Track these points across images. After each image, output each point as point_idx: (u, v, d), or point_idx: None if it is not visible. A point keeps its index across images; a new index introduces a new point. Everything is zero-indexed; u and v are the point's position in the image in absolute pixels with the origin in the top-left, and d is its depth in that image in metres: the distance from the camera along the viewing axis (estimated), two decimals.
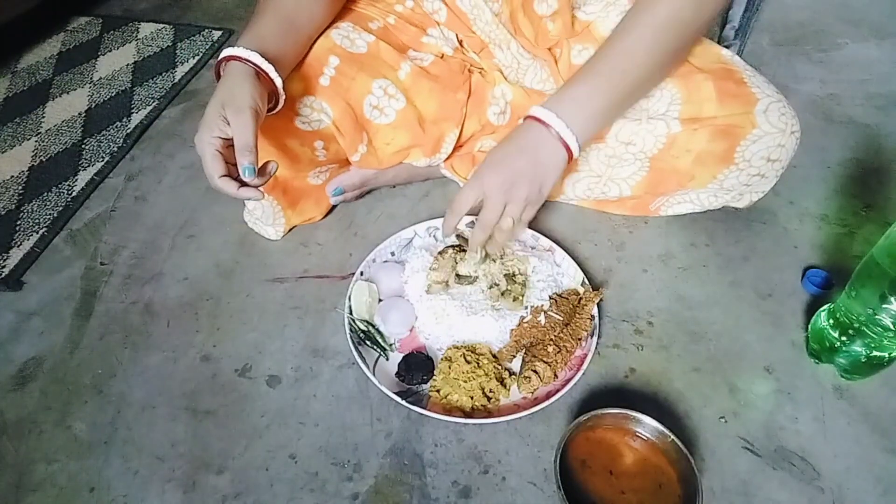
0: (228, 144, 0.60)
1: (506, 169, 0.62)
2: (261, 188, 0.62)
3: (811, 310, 0.74)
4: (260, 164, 0.61)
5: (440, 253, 0.76)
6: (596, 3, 0.79)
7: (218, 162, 0.59)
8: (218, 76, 0.64)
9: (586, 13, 0.79)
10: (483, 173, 0.64)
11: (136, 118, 1.09)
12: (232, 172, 0.60)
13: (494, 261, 0.74)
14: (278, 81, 0.64)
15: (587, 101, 0.64)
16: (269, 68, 0.62)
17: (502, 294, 0.72)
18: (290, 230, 0.86)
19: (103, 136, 1.06)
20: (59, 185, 0.97)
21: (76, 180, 0.97)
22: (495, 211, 0.63)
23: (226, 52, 0.62)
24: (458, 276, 0.74)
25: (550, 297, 0.73)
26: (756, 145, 0.70)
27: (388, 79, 0.75)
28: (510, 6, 0.77)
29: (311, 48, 0.72)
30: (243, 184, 0.60)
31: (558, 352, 0.67)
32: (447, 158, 0.85)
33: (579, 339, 0.69)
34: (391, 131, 0.77)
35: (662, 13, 0.62)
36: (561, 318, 0.71)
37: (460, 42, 0.83)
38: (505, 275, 0.73)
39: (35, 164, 1.01)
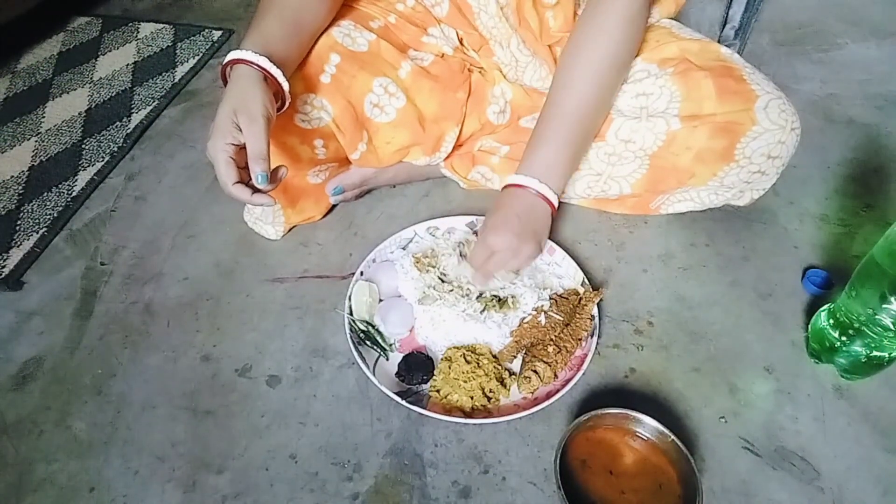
0: (240, 149, 0.60)
1: (508, 231, 0.67)
2: (270, 193, 0.62)
3: (811, 310, 0.74)
4: (272, 170, 0.62)
5: (416, 262, 0.76)
6: None
7: (231, 169, 0.59)
8: (223, 79, 0.64)
9: None
10: (488, 236, 0.68)
11: (136, 118, 1.09)
12: (243, 177, 0.61)
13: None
14: (286, 86, 0.64)
15: (553, 157, 0.71)
16: (276, 72, 0.63)
17: (488, 303, 0.72)
18: (290, 230, 0.86)
19: (103, 136, 1.06)
20: (59, 185, 0.97)
21: (76, 180, 0.97)
22: (499, 266, 0.69)
23: (233, 54, 0.62)
24: (441, 280, 0.74)
25: (550, 297, 0.73)
26: (756, 142, 0.70)
27: (388, 77, 0.75)
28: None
29: (312, 46, 0.72)
30: (256, 189, 0.61)
31: (558, 352, 0.67)
32: (447, 157, 0.85)
33: (579, 340, 0.69)
34: (391, 130, 0.77)
35: (599, 56, 0.70)
36: (561, 318, 0.71)
37: (460, 41, 0.83)
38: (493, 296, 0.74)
39: (35, 164, 1.01)
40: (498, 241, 0.68)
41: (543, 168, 0.70)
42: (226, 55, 0.64)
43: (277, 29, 0.66)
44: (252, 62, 0.61)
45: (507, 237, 0.67)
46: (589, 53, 0.70)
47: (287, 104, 0.67)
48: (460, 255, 0.77)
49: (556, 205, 0.71)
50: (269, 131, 0.60)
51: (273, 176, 0.62)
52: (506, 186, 0.72)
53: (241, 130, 0.59)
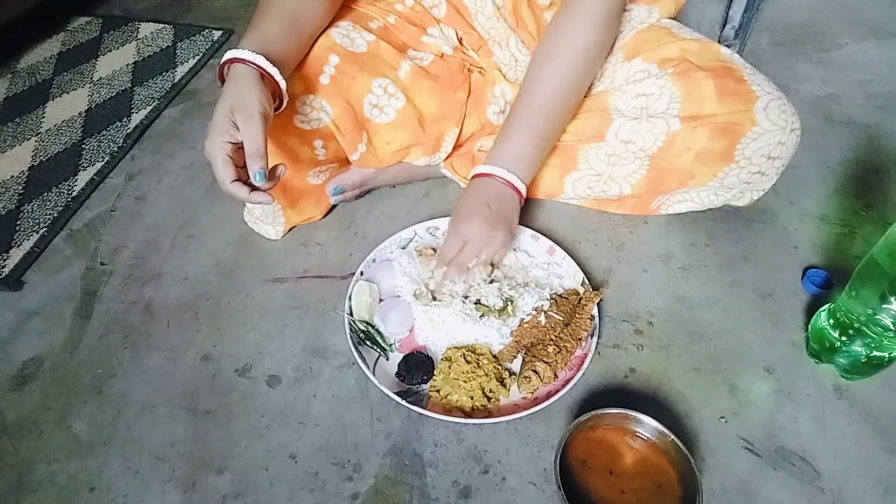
0: (237, 148, 0.60)
1: (479, 218, 0.70)
2: (269, 191, 0.62)
3: (811, 310, 0.74)
4: (270, 168, 0.62)
5: (420, 254, 0.77)
6: None
7: (229, 167, 0.60)
8: (221, 78, 0.64)
9: None
10: (459, 225, 0.71)
11: (136, 118, 1.09)
12: (241, 176, 0.61)
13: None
14: (283, 84, 0.64)
15: (521, 148, 0.73)
16: (274, 71, 0.63)
17: (487, 311, 0.72)
18: (290, 230, 0.86)
19: (103, 136, 1.06)
20: (59, 185, 0.97)
21: (76, 180, 0.97)
22: (472, 254, 0.70)
23: (230, 53, 0.62)
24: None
25: (550, 297, 0.73)
26: (756, 143, 0.70)
27: (388, 78, 0.75)
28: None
29: (311, 47, 0.72)
30: (254, 188, 0.61)
31: (558, 352, 0.67)
32: (447, 158, 0.85)
33: (579, 339, 0.69)
34: (391, 130, 0.77)
35: (569, 57, 0.72)
36: (561, 318, 0.70)
37: (460, 40, 0.83)
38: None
39: (35, 164, 1.01)
40: (470, 228, 0.69)
41: (511, 157, 0.72)
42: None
43: (275, 29, 0.66)
44: (249, 61, 0.61)
45: (478, 224, 0.69)
46: (560, 55, 0.72)
47: (285, 103, 0.67)
48: (418, 255, 0.77)
49: (523, 193, 0.73)
50: (266, 129, 0.60)
51: (271, 174, 0.62)
52: (474, 176, 0.74)
53: (238, 128, 0.59)
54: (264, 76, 0.62)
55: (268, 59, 0.62)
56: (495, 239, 0.70)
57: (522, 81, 0.75)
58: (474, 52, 0.83)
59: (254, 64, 0.62)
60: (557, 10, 0.74)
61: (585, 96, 0.79)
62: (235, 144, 0.60)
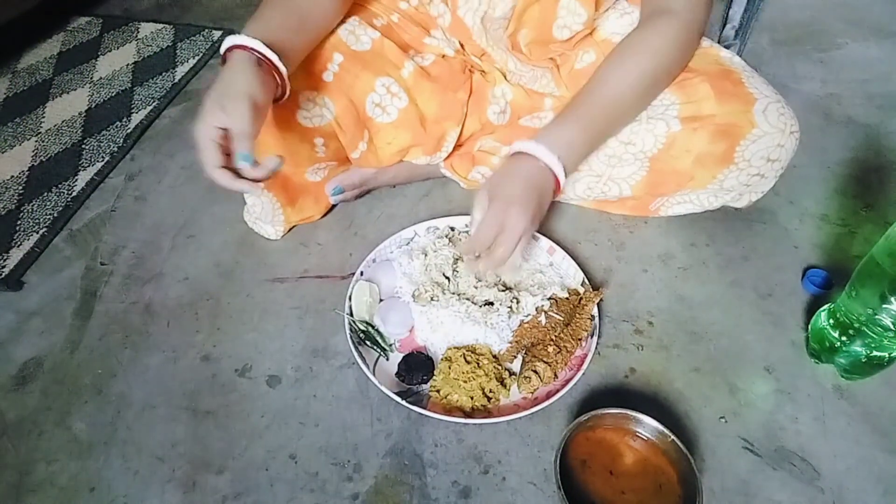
0: (227, 134, 0.58)
1: (528, 209, 0.63)
2: (261, 183, 0.60)
3: (811, 310, 0.74)
4: (264, 158, 0.60)
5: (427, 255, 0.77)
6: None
7: (212, 152, 0.57)
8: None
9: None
10: (499, 210, 0.63)
11: (136, 118, 1.09)
12: (230, 164, 0.58)
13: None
14: (283, 69, 0.62)
15: (570, 134, 0.67)
16: (272, 56, 0.61)
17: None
18: (290, 229, 0.86)
19: (103, 136, 1.06)
20: (59, 185, 0.97)
21: (76, 180, 0.97)
22: (510, 248, 0.63)
23: (230, 40, 0.61)
24: (444, 275, 0.75)
25: (551, 298, 0.73)
26: (756, 145, 0.70)
27: (391, 77, 0.75)
28: (525, 34, 0.75)
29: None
30: (241, 176, 0.58)
31: (558, 352, 0.67)
32: (447, 158, 0.85)
33: (579, 340, 0.69)
34: (392, 130, 0.77)
35: (646, 60, 0.68)
36: (561, 319, 0.71)
37: (462, 45, 0.83)
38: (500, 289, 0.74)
39: (35, 164, 1.01)
40: (509, 215, 0.62)
41: (565, 147, 0.66)
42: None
43: (281, 20, 0.65)
44: (247, 46, 0.60)
45: (525, 216, 0.62)
46: (633, 66, 0.68)
47: (287, 93, 0.66)
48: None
49: (561, 180, 0.66)
50: (254, 112, 0.57)
51: (264, 165, 0.60)
52: (521, 152, 0.66)
53: (226, 113, 0.57)
54: (262, 63, 0.61)
55: (268, 46, 0.61)
56: (529, 235, 0.64)
57: (591, 78, 0.70)
58: (476, 58, 0.83)
59: (251, 49, 0.60)
60: (640, 22, 0.71)
61: None
62: (225, 130, 0.58)
